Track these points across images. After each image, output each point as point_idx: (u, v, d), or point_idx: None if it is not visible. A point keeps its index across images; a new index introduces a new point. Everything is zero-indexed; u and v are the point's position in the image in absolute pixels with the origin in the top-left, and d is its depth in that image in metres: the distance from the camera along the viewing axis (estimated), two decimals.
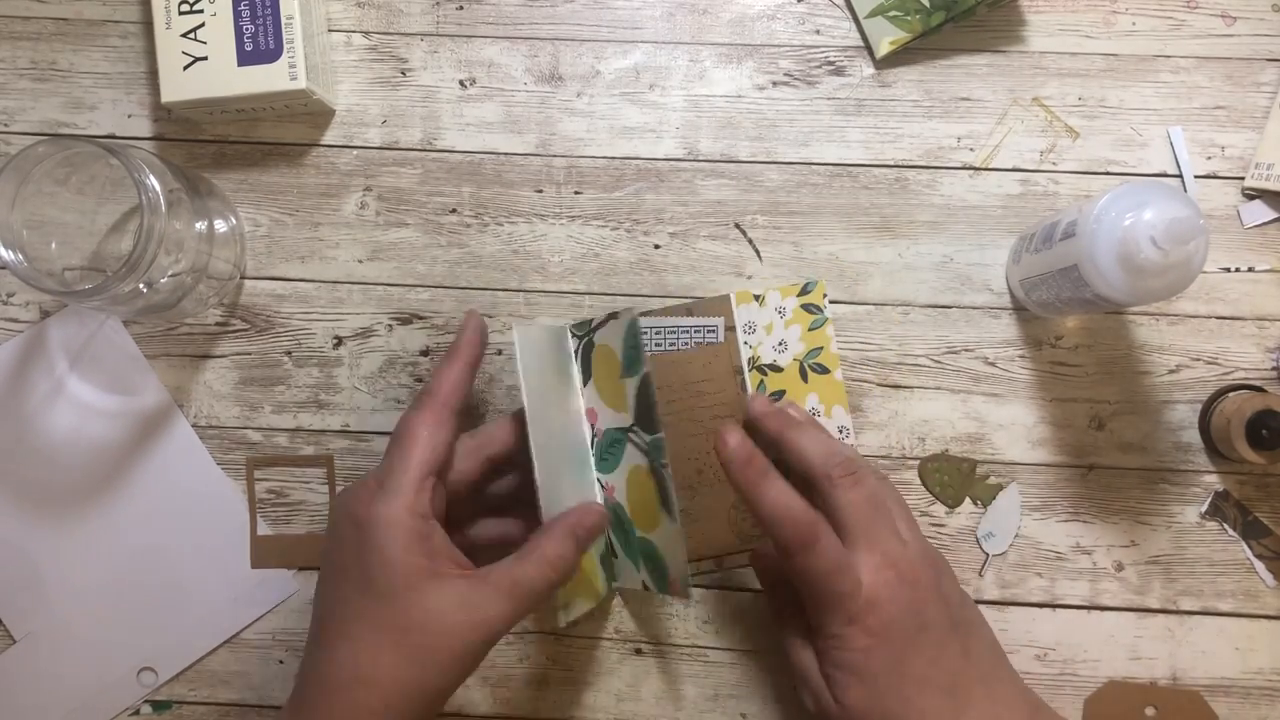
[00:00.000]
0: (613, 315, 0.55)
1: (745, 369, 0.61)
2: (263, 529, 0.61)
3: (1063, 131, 0.62)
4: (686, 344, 0.61)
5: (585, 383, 0.58)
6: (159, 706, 0.61)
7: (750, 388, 0.61)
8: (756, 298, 0.61)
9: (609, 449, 0.57)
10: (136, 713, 0.61)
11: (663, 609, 0.61)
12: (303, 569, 0.61)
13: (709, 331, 0.61)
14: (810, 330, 0.60)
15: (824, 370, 0.60)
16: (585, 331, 0.57)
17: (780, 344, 0.61)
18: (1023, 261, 0.58)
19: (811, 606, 0.50)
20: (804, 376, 0.60)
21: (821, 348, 0.60)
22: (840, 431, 0.59)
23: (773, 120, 0.63)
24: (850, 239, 0.62)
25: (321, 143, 0.63)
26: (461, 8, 0.63)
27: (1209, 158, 0.62)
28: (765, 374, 0.61)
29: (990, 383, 0.61)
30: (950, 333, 0.62)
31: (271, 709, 0.61)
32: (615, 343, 0.55)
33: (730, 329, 0.61)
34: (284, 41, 0.58)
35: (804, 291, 0.61)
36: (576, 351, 0.58)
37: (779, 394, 0.60)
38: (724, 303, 0.61)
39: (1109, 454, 0.61)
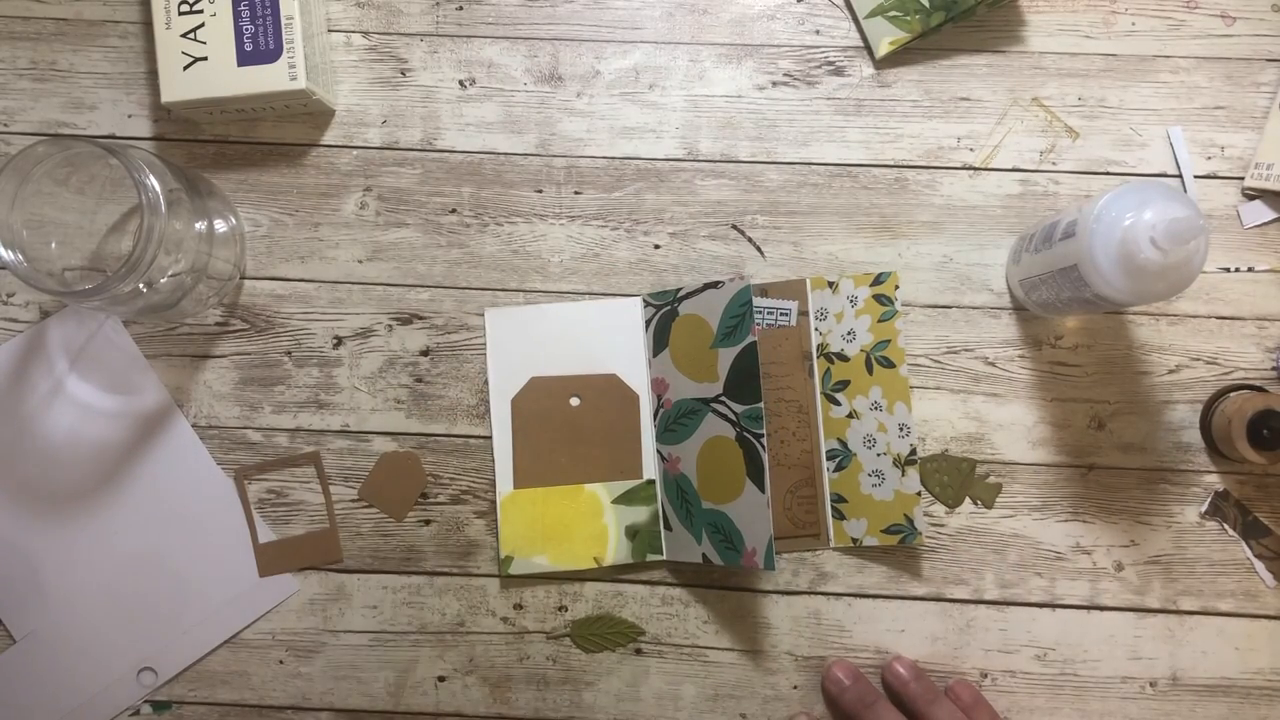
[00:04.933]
0: (712, 285, 0.57)
1: (814, 355, 0.61)
2: (264, 533, 0.61)
3: (1063, 131, 0.62)
4: (758, 324, 0.61)
5: (656, 353, 0.59)
6: (159, 706, 0.61)
7: (818, 374, 0.61)
8: (830, 284, 0.61)
9: (680, 419, 0.58)
10: (136, 713, 0.61)
11: (662, 609, 0.61)
12: (306, 569, 0.61)
13: (781, 314, 0.61)
14: (880, 322, 0.60)
15: (890, 364, 0.59)
16: (667, 301, 0.59)
17: (849, 333, 0.60)
18: (1022, 261, 0.58)
19: None
20: (869, 369, 0.60)
21: (889, 340, 0.59)
22: (900, 430, 0.59)
23: (773, 120, 0.63)
24: (850, 239, 0.62)
25: (321, 143, 0.63)
26: (461, 8, 0.63)
27: (1209, 158, 0.62)
28: (832, 362, 0.61)
29: (990, 383, 0.61)
30: (950, 333, 0.62)
31: (272, 709, 0.61)
32: (710, 312, 0.57)
33: (803, 314, 0.61)
34: (284, 41, 0.58)
35: (877, 281, 0.60)
36: (649, 322, 0.59)
37: (844, 383, 0.60)
38: (799, 286, 0.61)
39: (1109, 454, 0.61)
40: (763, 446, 0.54)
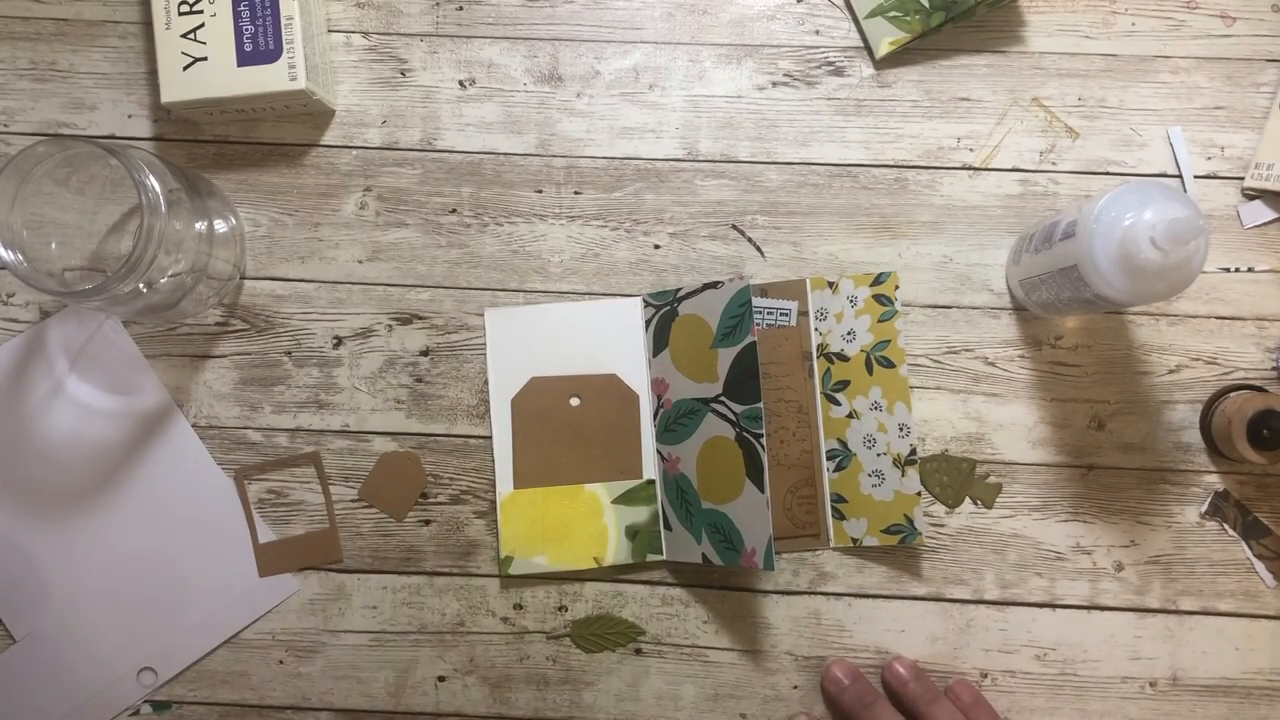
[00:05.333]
0: (711, 285, 0.57)
1: (814, 355, 0.61)
2: (264, 533, 0.61)
3: (1062, 132, 0.62)
4: (758, 324, 0.61)
5: (656, 354, 0.60)
6: (159, 706, 0.61)
7: (818, 374, 0.61)
8: (830, 284, 0.61)
9: (680, 419, 0.59)
10: (136, 713, 0.61)
11: (662, 608, 0.61)
12: (306, 569, 0.61)
13: (781, 314, 0.61)
14: (880, 322, 0.60)
15: (890, 364, 0.59)
16: (667, 301, 0.59)
17: (849, 333, 0.60)
18: (1022, 262, 0.58)
19: None
20: (869, 369, 0.60)
21: (889, 340, 0.59)
22: (900, 430, 0.59)
23: (773, 120, 0.63)
24: (850, 239, 0.62)
25: (321, 143, 0.63)
26: (461, 8, 0.63)
27: (1209, 158, 0.62)
28: (832, 362, 0.61)
29: (990, 383, 0.61)
30: (950, 333, 0.62)
31: (272, 709, 0.61)
32: (710, 312, 0.57)
33: (803, 314, 0.61)
34: (284, 42, 0.58)
35: (876, 282, 0.60)
36: (649, 322, 0.60)
37: (844, 383, 0.60)
38: (799, 286, 0.61)
39: (1109, 454, 0.61)
40: (762, 446, 0.54)
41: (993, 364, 0.61)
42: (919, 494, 0.58)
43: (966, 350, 0.62)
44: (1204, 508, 0.61)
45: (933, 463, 0.61)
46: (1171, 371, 0.61)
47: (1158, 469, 0.61)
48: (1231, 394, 0.60)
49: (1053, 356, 0.61)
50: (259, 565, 0.61)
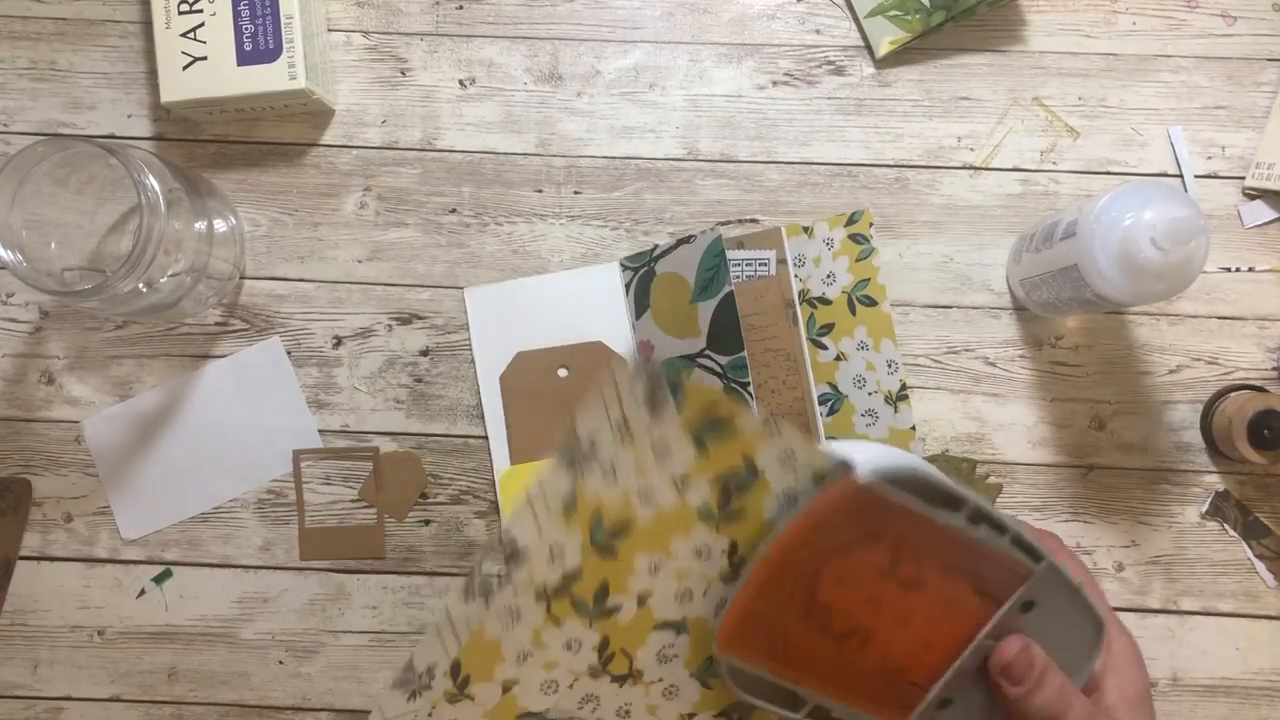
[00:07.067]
0: (684, 240, 0.57)
1: (796, 302, 0.61)
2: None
3: (1063, 131, 0.62)
4: (738, 277, 0.61)
5: (639, 316, 0.60)
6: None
7: (802, 321, 0.61)
8: (805, 229, 0.61)
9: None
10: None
11: None
12: (351, 570, 0.61)
13: (760, 264, 0.61)
14: (858, 261, 0.60)
15: (872, 302, 0.60)
16: (643, 262, 0.59)
17: (829, 276, 0.60)
18: (1023, 261, 0.58)
19: None
20: (852, 309, 0.60)
21: (869, 279, 0.60)
22: (889, 366, 0.59)
23: (773, 120, 0.63)
24: None
25: (321, 143, 0.63)
26: (461, 8, 0.63)
27: (1209, 157, 0.62)
28: (815, 307, 0.61)
29: (990, 383, 0.61)
30: (950, 333, 0.62)
31: (272, 709, 0.61)
32: (686, 267, 0.57)
33: (782, 262, 0.61)
34: (284, 41, 0.58)
35: (850, 221, 0.60)
36: (628, 285, 0.60)
37: (828, 327, 0.60)
38: (775, 235, 0.61)
39: (1109, 454, 0.61)
40: (750, 395, 0.54)
41: (993, 364, 0.61)
42: (913, 428, 0.58)
43: (967, 350, 0.62)
44: (1204, 508, 0.61)
45: (933, 463, 0.61)
46: (1172, 371, 0.61)
47: (1158, 469, 0.61)
48: (1232, 394, 0.60)
49: (1053, 356, 0.61)
50: (301, 549, 0.61)
